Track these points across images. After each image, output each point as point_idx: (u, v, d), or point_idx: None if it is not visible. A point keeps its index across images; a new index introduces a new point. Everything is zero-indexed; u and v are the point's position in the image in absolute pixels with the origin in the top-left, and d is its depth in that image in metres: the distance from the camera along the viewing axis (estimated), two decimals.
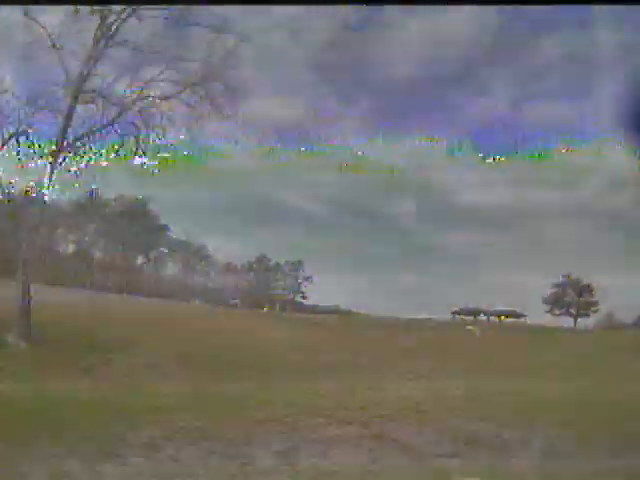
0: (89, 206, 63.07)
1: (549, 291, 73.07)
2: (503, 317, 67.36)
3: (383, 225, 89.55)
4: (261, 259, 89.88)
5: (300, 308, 73.64)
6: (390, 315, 51.07)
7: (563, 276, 73.52)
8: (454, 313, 63.49)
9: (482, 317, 65.13)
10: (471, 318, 62.60)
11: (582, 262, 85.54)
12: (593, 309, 73.40)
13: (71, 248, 67.45)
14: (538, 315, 79.00)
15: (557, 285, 75.96)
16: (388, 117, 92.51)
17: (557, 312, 75.13)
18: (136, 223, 70.47)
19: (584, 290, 74.51)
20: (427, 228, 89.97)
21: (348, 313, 70.91)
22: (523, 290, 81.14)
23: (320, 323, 38.66)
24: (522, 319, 65.85)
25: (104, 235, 69.42)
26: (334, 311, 76.68)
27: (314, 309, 76.43)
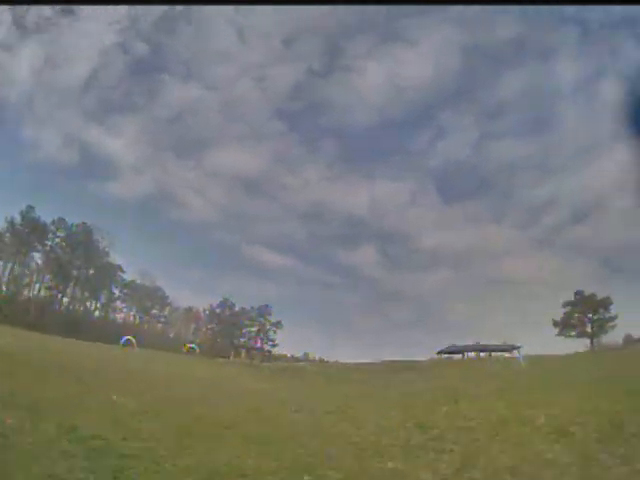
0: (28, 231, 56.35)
1: (562, 311, 70.21)
2: (491, 353, 60.38)
3: (348, 272, 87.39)
4: (225, 302, 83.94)
5: (269, 356, 67.09)
6: (362, 361, 47.18)
7: (577, 293, 70.97)
8: (440, 353, 59.14)
9: (470, 354, 60.22)
10: (459, 356, 57.97)
11: (547, 293, 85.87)
12: (610, 325, 69.44)
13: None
14: (538, 344, 75.87)
15: (568, 304, 72.13)
16: (351, 163, 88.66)
17: (572, 334, 71.18)
18: (84, 258, 63.49)
19: (600, 305, 70.77)
20: (394, 272, 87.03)
21: (321, 361, 66.62)
22: (513, 323, 78.96)
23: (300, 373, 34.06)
24: (515, 352, 59.57)
25: (47, 269, 61.78)
26: (305, 360, 71.28)
27: (283, 358, 70.80)
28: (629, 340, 65.62)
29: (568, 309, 72.61)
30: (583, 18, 72.05)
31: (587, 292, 71.73)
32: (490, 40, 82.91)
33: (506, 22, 78.76)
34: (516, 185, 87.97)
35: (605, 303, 72.12)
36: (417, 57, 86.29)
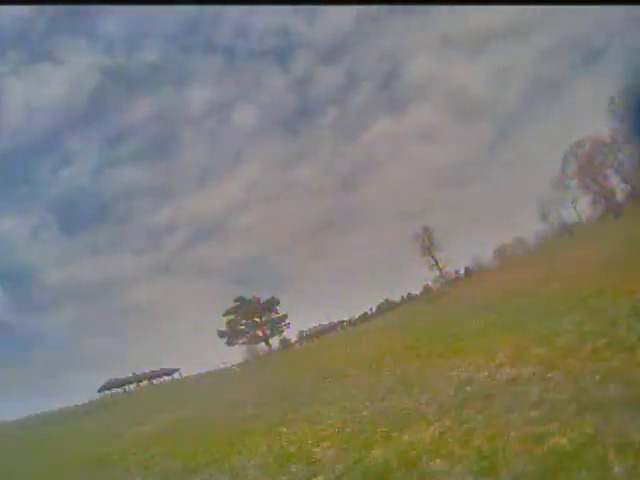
0: None
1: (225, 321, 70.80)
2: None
3: None
4: None
5: None
6: None
7: (237, 300, 71.87)
8: (101, 389, 58.56)
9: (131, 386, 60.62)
10: (120, 390, 57.97)
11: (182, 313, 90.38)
12: (285, 323, 73.38)
13: None
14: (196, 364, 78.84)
15: (231, 311, 70.72)
16: None
17: (240, 341, 71.08)
18: None
19: (265, 308, 73.17)
20: (24, 315, 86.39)
21: None
22: (163, 347, 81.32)
23: None
24: (175, 375, 63.33)
25: None
26: None
27: None
28: (302, 336, 72.70)
29: (231, 317, 72.76)
30: (231, 47, 78.65)
31: (249, 297, 73.30)
32: (131, 64, 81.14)
33: (148, 46, 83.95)
34: (135, 211, 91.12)
35: (271, 304, 74.22)
36: (60, 77, 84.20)
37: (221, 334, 73.26)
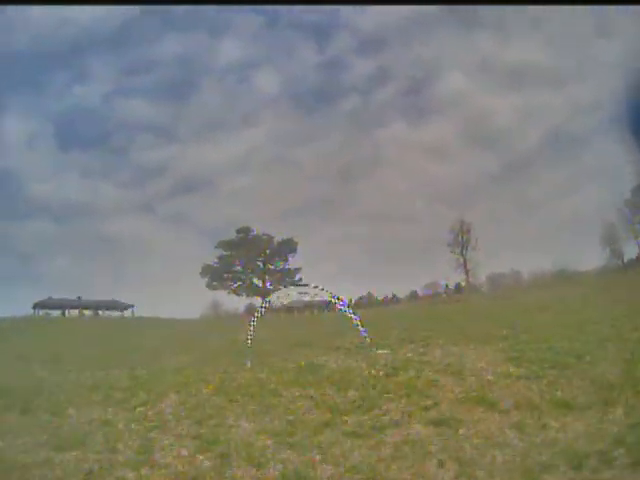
0: None
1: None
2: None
3: None
4: None
5: None
6: None
7: (240, 231, 60.13)
8: (36, 307, 52.08)
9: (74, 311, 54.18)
10: (58, 312, 52.42)
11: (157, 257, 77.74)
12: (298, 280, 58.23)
13: None
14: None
15: (227, 245, 58.71)
16: None
17: (228, 285, 59.00)
18: None
19: (288, 249, 60.10)
20: None
21: None
22: (129, 283, 77.56)
23: None
24: (128, 310, 55.38)
25: None
26: None
27: None
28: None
29: (225, 253, 59.24)
30: (275, 11, 72.00)
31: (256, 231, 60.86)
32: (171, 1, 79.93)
33: None
34: (134, 145, 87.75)
35: (286, 247, 59.02)
36: None
37: (204, 272, 58.70)
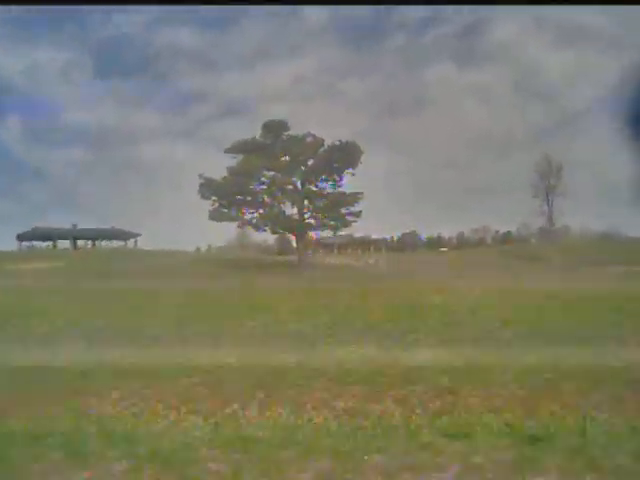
0: None
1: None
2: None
3: None
4: None
5: None
6: None
7: (264, 127, 38.33)
8: (21, 238, 44.66)
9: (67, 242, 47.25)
10: (48, 244, 45.74)
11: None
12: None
13: None
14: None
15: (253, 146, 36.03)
16: (15, 25, 77.06)
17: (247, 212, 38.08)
18: None
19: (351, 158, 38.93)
20: (35, 149, 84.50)
21: None
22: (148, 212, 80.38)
23: None
24: (131, 240, 50.30)
25: None
26: None
27: None
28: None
29: (243, 165, 37.56)
30: None
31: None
32: None
33: None
34: (174, 71, 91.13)
35: (352, 154, 39.10)
36: None
37: (204, 189, 38.63)
